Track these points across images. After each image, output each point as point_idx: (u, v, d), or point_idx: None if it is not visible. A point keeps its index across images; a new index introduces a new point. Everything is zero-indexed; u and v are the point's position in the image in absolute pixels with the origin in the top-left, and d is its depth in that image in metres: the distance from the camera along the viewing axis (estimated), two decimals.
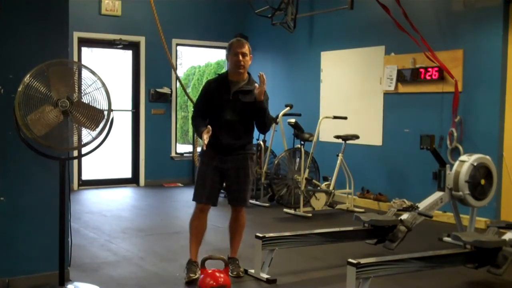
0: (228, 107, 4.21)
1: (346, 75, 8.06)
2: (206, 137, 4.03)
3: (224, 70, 4.36)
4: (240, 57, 4.21)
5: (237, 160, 4.27)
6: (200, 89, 4.50)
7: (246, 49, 4.26)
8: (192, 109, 4.55)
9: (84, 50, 8.95)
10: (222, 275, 3.85)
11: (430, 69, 6.77)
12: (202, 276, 3.87)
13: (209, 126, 4.09)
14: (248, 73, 4.36)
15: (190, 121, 4.48)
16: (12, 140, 3.76)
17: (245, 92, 4.25)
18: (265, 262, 4.34)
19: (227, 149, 4.24)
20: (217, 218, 6.32)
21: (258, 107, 4.20)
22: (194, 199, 4.33)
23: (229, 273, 4.26)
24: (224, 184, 4.41)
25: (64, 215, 3.80)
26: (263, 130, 4.45)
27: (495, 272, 4.18)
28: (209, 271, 3.86)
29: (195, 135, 5.44)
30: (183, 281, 4.22)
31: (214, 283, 3.79)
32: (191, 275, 4.21)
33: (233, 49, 4.24)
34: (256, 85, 4.26)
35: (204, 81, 13.87)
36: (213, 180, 4.26)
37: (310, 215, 6.73)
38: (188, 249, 4.37)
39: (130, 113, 9.16)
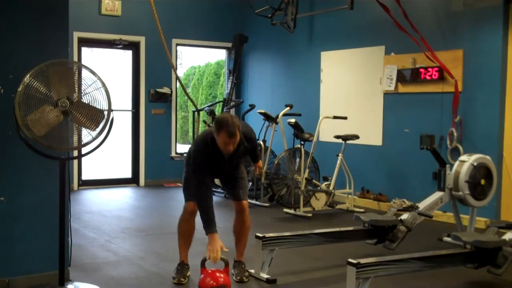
0: (225, 165, 4.19)
1: (346, 75, 8.06)
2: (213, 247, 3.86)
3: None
4: (230, 147, 3.94)
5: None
6: (194, 151, 4.13)
7: (237, 139, 3.92)
8: (189, 169, 4.22)
9: (84, 50, 8.95)
10: (222, 275, 3.85)
11: (430, 69, 6.77)
12: (202, 276, 3.87)
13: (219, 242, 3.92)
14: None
15: (185, 183, 4.21)
16: (12, 140, 3.76)
17: (237, 149, 4.07)
18: (265, 262, 4.34)
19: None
20: (218, 218, 6.31)
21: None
22: (186, 200, 4.28)
23: (233, 278, 4.27)
24: (220, 183, 4.50)
25: (64, 215, 3.80)
26: None
27: (495, 272, 4.19)
28: (209, 271, 3.86)
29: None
30: (183, 281, 4.22)
31: (214, 283, 3.78)
32: (182, 279, 4.21)
33: (223, 136, 3.88)
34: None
35: (204, 81, 13.85)
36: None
37: (310, 215, 6.73)
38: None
39: (130, 113, 9.16)
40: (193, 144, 4.30)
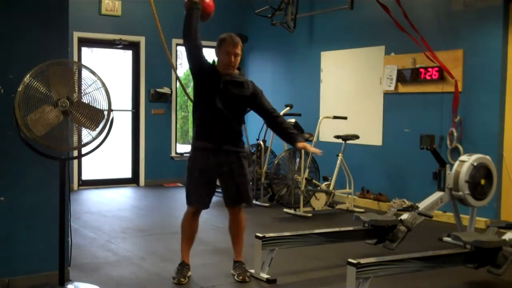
0: (218, 96, 4.09)
1: (346, 75, 8.06)
2: None
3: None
4: (232, 58, 4.09)
5: (231, 161, 4.19)
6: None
7: (239, 49, 4.12)
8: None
9: (84, 50, 8.95)
10: None
11: (430, 69, 6.77)
12: None
13: None
14: (239, 68, 4.25)
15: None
16: (12, 140, 3.76)
17: (236, 84, 4.15)
18: (265, 262, 4.33)
19: (219, 140, 4.12)
20: (217, 218, 6.32)
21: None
22: (189, 203, 4.26)
23: (235, 278, 4.28)
24: (220, 186, 4.33)
25: (64, 215, 3.79)
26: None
27: (495, 272, 4.18)
28: None
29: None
30: (183, 281, 4.22)
31: None
32: (182, 279, 4.20)
33: (225, 47, 4.10)
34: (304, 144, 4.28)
35: None
36: (206, 187, 4.20)
37: (310, 215, 6.73)
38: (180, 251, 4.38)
39: (130, 113, 9.16)
40: None
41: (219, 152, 4.14)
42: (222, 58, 4.13)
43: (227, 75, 4.15)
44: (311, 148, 4.43)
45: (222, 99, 4.11)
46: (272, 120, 4.32)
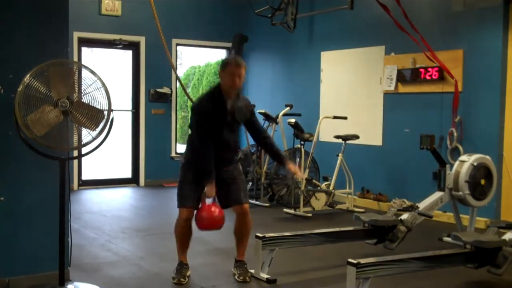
0: (226, 127, 4.17)
1: (346, 75, 8.06)
2: (210, 190, 4.07)
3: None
4: (237, 80, 4.09)
5: (231, 172, 4.28)
6: (195, 110, 4.23)
7: (244, 71, 4.13)
8: (193, 132, 4.25)
9: (84, 50, 8.95)
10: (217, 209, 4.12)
11: (430, 69, 6.77)
12: (206, 207, 4.12)
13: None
14: None
15: (189, 143, 4.29)
16: (12, 140, 3.76)
17: (239, 111, 4.21)
18: (265, 262, 4.34)
19: (220, 164, 4.18)
20: None
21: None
22: (180, 206, 4.21)
23: (236, 278, 4.28)
24: (218, 191, 4.28)
25: (64, 215, 3.80)
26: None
27: (495, 272, 4.18)
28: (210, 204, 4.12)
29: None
30: (183, 281, 4.22)
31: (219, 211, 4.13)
32: (182, 279, 4.20)
33: (230, 69, 4.10)
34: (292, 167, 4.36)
35: (204, 81, 13.85)
36: (197, 190, 4.19)
37: (310, 215, 6.73)
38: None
39: (130, 113, 9.16)
40: (195, 102, 4.37)
41: (217, 170, 4.20)
42: (226, 80, 4.11)
43: (231, 99, 4.16)
44: (298, 172, 4.56)
45: (229, 129, 4.19)
46: (264, 141, 4.51)
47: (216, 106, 4.13)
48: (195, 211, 4.19)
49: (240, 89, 4.29)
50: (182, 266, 4.29)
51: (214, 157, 4.12)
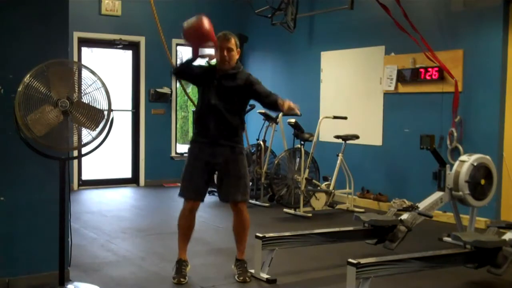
0: (213, 92, 4.20)
1: (346, 75, 8.06)
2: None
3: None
4: (225, 53, 4.20)
5: (226, 154, 4.21)
6: None
7: (232, 43, 4.23)
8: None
9: (84, 50, 8.95)
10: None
11: (430, 69, 6.77)
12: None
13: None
14: (240, 64, 4.35)
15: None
16: (12, 140, 3.76)
17: (228, 76, 4.24)
18: (265, 262, 4.33)
19: (213, 135, 4.18)
20: (217, 218, 6.32)
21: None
22: (181, 195, 4.28)
23: (235, 278, 4.28)
24: (216, 182, 4.36)
25: (64, 215, 3.80)
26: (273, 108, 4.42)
27: (495, 272, 4.18)
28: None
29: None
30: (183, 281, 4.22)
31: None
32: (182, 279, 4.19)
33: (219, 43, 4.20)
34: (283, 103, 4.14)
35: None
36: (201, 176, 4.23)
37: (310, 215, 6.73)
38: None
39: (130, 113, 9.16)
40: None
41: (214, 145, 4.22)
42: (216, 56, 4.22)
43: (222, 71, 4.25)
44: (291, 104, 4.16)
45: (216, 94, 4.21)
46: (263, 102, 4.37)
47: (207, 72, 4.28)
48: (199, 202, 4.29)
49: (238, 65, 4.30)
50: (181, 264, 4.28)
51: (205, 127, 4.20)
